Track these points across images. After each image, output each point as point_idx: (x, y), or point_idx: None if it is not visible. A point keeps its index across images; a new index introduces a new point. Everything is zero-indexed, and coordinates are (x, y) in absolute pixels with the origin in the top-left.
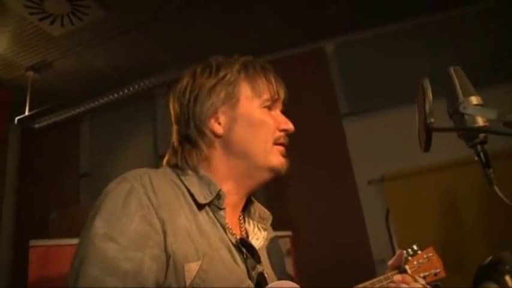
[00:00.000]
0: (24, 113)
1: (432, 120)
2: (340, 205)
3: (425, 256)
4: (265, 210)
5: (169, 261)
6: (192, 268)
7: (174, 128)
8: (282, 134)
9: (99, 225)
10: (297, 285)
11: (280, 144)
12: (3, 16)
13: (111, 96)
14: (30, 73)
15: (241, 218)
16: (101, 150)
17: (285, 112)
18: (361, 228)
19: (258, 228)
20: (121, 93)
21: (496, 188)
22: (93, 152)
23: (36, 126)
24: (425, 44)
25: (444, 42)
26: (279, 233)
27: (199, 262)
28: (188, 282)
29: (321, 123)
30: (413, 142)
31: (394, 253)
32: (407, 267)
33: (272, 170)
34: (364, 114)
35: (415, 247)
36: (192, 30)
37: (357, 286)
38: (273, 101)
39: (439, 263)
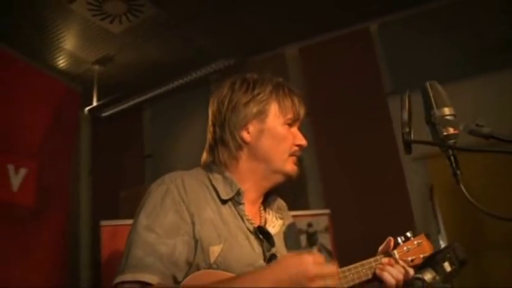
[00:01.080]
0: (92, 103)
1: (407, 130)
2: (385, 182)
3: (415, 242)
4: (282, 202)
5: (197, 245)
6: (215, 250)
7: (211, 128)
8: (297, 148)
9: (143, 218)
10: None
11: (294, 155)
12: (70, 19)
13: (170, 85)
14: (96, 67)
15: (261, 208)
16: (161, 133)
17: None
18: (405, 205)
19: (276, 218)
20: (178, 82)
21: (462, 186)
22: (154, 135)
23: (103, 115)
24: (468, 21)
25: (486, 19)
26: (318, 211)
27: (221, 245)
28: (212, 260)
29: (366, 102)
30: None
31: (439, 230)
32: (395, 251)
33: (286, 174)
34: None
35: (408, 234)
36: (239, 20)
37: (350, 266)
38: (294, 120)
39: (429, 248)
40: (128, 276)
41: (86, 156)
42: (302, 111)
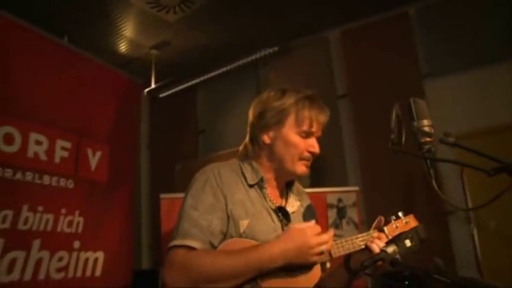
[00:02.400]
0: (150, 85)
1: (392, 136)
2: (414, 163)
3: (404, 221)
4: (301, 188)
5: (230, 220)
6: (244, 223)
7: (248, 127)
8: (309, 154)
9: (189, 199)
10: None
11: (305, 159)
12: (130, 10)
13: (220, 69)
14: (154, 51)
15: (283, 192)
16: (213, 111)
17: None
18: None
19: (295, 200)
20: (228, 66)
21: (434, 183)
22: (207, 113)
23: (161, 95)
24: (504, 3)
25: None
26: (348, 188)
27: (248, 220)
28: (241, 231)
29: (402, 84)
30: (489, 102)
31: (467, 208)
32: (385, 228)
33: (295, 175)
34: (443, 74)
35: (399, 214)
36: (284, 6)
37: (346, 238)
38: (308, 133)
39: (415, 225)
40: (178, 242)
41: (144, 133)
42: (318, 126)
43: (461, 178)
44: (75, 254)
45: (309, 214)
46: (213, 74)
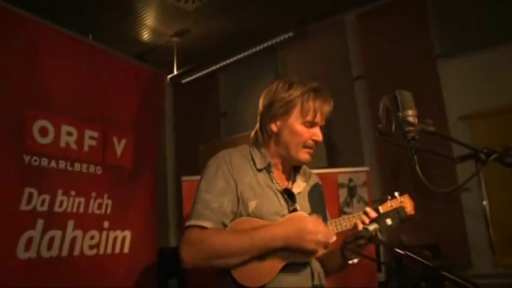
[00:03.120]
0: (173, 72)
1: (379, 126)
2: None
3: (399, 200)
4: (307, 169)
5: (239, 201)
6: (252, 204)
7: (258, 116)
8: (312, 142)
9: (203, 184)
10: (308, 216)
11: (308, 147)
12: (151, 1)
13: (240, 54)
14: (175, 39)
15: (291, 175)
16: (234, 95)
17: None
18: (449, 165)
19: (302, 181)
20: (247, 51)
21: (417, 169)
22: (228, 97)
23: (183, 81)
24: None
25: None
26: (357, 169)
27: (256, 201)
28: (250, 211)
29: (416, 64)
30: (502, 81)
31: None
32: (380, 207)
33: (298, 161)
34: (456, 55)
35: (395, 194)
36: None
37: (343, 217)
38: (312, 123)
39: (410, 205)
40: (192, 222)
41: (169, 116)
42: (321, 116)
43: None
44: (105, 233)
45: (314, 192)
46: (232, 59)
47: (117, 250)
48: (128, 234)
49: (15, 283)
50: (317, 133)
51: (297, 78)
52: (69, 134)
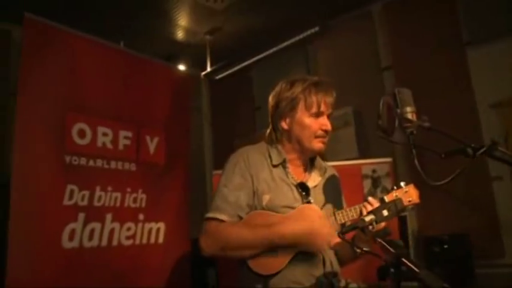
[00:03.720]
0: (206, 68)
1: (379, 122)
2: (461, 131)
3: (404, 190)
4: (322, 164)
5: (255, 195)
6: (266, 198)
7: (269, 117)
8: (322, 132)
9: (222, 179)
10: (318, 210)
11: (319, 137)
12: (182, 3)
13: (271, 49)
14: (207, 37)
15: (308, 169)
16: (268, 89)
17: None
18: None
19: (317, 175)
20: (278, 46)
21: (416, 162)
22: (262, 91)
23: (217, 77)
24: None
25: None
26: (381, 160)
27: (270, 194)
28: (264, 204)
29: (445, 53)
30: None
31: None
32: (385, 196)
33: (313, 152)
34: (486, 42)
35: (401, 184)
36: None
37: (350, 208)
38: (318, 113)
39: (415, 194)
40: (210, 214)
41: (206, 112)
42: (325, 106)
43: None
44: (140, 224)
45: (329, 184)
46: (264, 54)
47: (152, 240)
48: (161, 225)
49: (61, 269)
50: (325, 122)
51: (299, 76)
52: (105, 134)
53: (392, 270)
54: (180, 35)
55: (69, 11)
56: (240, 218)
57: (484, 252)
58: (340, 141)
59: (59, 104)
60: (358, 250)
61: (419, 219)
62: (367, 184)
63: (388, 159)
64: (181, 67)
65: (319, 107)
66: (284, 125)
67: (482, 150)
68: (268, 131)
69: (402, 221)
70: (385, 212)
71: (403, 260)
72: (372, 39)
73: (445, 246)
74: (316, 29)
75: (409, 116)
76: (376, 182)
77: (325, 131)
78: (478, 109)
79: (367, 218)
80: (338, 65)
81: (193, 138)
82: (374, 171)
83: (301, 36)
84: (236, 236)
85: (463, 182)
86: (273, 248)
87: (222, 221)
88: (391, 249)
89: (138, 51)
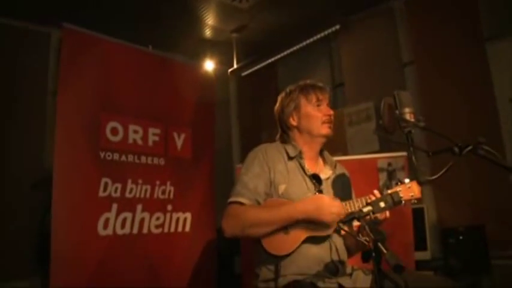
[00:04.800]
0: (233, 65)
1: (380, 122)
2: (479, 124)
3: (407, 186)
4: (333, 159)
5: (272, 184)
6: (282, 187)
7: (277, 121)
8: (327, 117)
9: (243, 169)
10: (329, 198)
11: (326, 122)
12: (209, 4)
13: (296, 45)
14: (234, 35)
15: (320, 162)
16: (292, 83)
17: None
18: (497, 142)
19: (328, 169)
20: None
21: (414, 159)
22: (286, 86)
23: (243, 74)
24: None
25: None
26: (396, 154)
27: (286, 184)
28: (280, 193)
29: (465, 48)
30: None
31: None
32: (388, 191)
33: (323, 136)
34: (506, 37)
35: (405, 180)
36: None
37: (356, 199)
38: (318, 101)
39: (417, 190)
40: (232, 199)
41: (234, 106)
42: (322, 95)
43: None
44: (168, 214)
45: (338, 181)
46: (289, 51)
47: (180, 229)
48: (188, 215)
49: (97, 254)
50: (327, 109)
51: (291, 85)
52: (136, 132)
53: (373, 254)
54: (207, 33)
55: (100, 16)
56: (258, 203)
57: (501, 244)
58: (362, 135)
59: (94, 105)
60: (362, 239)
61: (438, 212)
62: (382, 177)
63: (403, 154)
64: (210, 64)
65: (317, 96)
66: (293, 121)
67: (468, 149)
68: (278, 135)
69: (419, 213)
70: (382, 204)
71: (378, 244)
72: (393, 35)
73: (461, 238)
74: (337, 27)
75: (407, 116)
76: (391, 175)
77: (329, 116)
78: (497, 103)
79: (365, 209)
80: (360, 60)
81: (222, 131)
82: (389, 164)
83: (323, 33)
84: (254, 214)
85: (482, 174)
86: (287, 230)
87: (242, 204)
88: (371, 235)
89: (168, 50)
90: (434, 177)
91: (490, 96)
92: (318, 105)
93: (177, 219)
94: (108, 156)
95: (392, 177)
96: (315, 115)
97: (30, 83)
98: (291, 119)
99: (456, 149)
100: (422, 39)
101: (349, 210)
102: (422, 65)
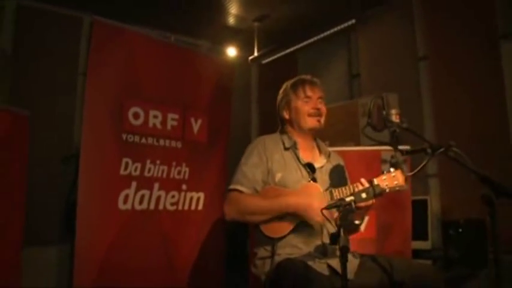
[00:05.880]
0: (254, 53)
1: (369, 120)
2: (488, 122)
3: (392, 175)
4: (327, 149)
5: (269, 173)
6: (278, 175)
7: (278, 117)
8: (314, 110)
9: (243, 159)
10: (318, 187)
11: (313, 115)
12: None
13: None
14: (256, 23)
15: (315, 151)
16: (311, 73)
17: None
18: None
19: (323, 158)
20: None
21: (398, 155)
22: (303, 73)
23: (263, 62)
24: None
25: None
26: (399, 147)
27: (282, 173)
28: (276, 181)
29: (479, 44)
30: None
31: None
32: (375, 179)
33: (309, 129)
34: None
35: (391, 169)
36: None
37: (346, 186)
38: (306, 97)
39: (401, 179)
40: (232, 186)
41: (254, 93)
42: (311, 91)
43: None
44: (183, 193)
45: (335, 171)
46: (308, 41)
47: (193, 207)
48: (201, 195)
49: (117, 226)
50: (315, 102)
51: (288, 81)
52: (155, 116)
53: (340, 236)
54: (230, 21)
55: (128, 4)
56: (256, 190)
57: (502, 240)
58: None
59: (118, 91)
60: (356, 222)
61: (442, 204)
62: (385, 169)
63: (406, 147)
64: (232, 51)
65: (305, 92)
66: (286, 115)
67: (440, 150)
68: (279, 124)
69: (422, 204)
70: (363, 195)
71: (341, 228)
72: (410, 29)
73: (460, 230)
74: (353, 21)
75: (393, 118)
76: (394, 166)
77: (317, 109)
78: (507, 102)
79: (348, 199)
80: (376, 53)
81: (241, 116)
82: (393, 157)
83: (338, 27)
84: (253, 204)
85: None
86: (281, 216)
87: (241, 192)
88: (338, 221)
89: (192, 37)
90: (410, 173)
91: (500, 94)
92: (308, 101)
93: (191, 198)
94: (130, 138)
95: (394, 168)
96: (302, 109)
97: (63, 63)
98: (284, 113)
99: (429, 150)
100: (437, 34)
101: (338, 197)
102: (436, 60)
